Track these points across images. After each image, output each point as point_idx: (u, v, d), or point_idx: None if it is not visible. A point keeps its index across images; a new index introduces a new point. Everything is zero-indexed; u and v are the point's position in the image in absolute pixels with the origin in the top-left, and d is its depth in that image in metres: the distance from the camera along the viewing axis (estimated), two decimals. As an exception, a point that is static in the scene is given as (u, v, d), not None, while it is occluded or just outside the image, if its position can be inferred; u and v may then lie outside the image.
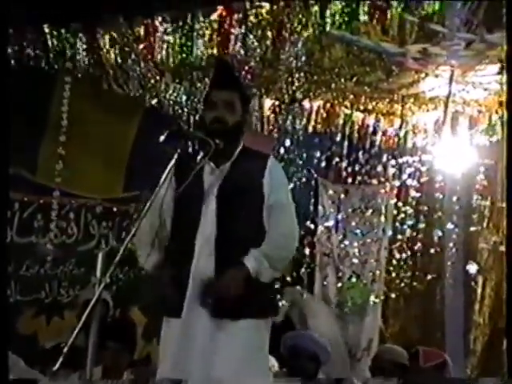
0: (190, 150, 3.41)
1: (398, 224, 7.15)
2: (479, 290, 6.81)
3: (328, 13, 4.53)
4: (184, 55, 5.25)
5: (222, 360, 3.32)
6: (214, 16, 5.08)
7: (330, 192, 7.64)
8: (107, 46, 5.38)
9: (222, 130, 3.45)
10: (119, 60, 5.49)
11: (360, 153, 7.17)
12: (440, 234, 6.90)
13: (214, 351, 3.33)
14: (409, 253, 7.06)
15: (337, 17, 4.51)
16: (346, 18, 4.42)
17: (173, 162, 3.35)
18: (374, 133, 7.06)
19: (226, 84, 3.56)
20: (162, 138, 3.42)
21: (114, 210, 7.12)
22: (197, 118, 6.20)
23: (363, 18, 4.29)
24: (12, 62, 5.41)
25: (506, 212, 3.71)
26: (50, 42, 5.38)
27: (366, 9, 4.24)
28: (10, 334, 4.06)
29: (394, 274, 7.25)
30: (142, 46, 5.33)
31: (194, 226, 3.43)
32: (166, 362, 3.43)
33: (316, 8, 4.60)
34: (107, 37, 5.34)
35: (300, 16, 4.75)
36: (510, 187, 3.71)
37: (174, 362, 3.38)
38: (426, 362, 5.00)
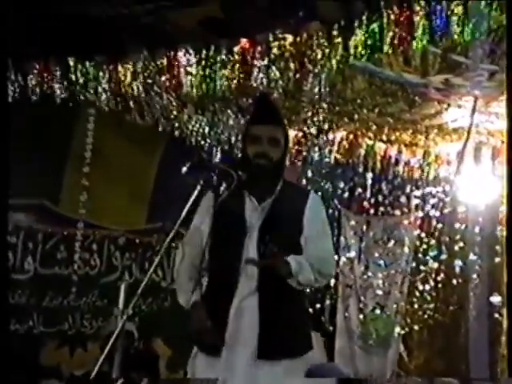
0: (215, 182, 3.38)
1: (420, 255, 7.10)
2: (505, 322, 6.72)
3: (351, 44, 4.52)
4: (206, 87, 5.26)
5: None
6: (237, 48, 5.10)
7: (353, 223, 7.61)
8: (130, 79, 5.41)
9: (266, 165, 3.42)
10: (142, 92, 5.51)
11: (383, 184, 7.14)
12: (462, 264, 6.84)
13: None
14: (432, 284, 7.00)
15: (359, 48, 4.51)
16: (369, 50, 4.41)
17: (195, 193, 3.34)
18: (397, 163, 7.03)
19: (270, 119, 3.52)
20: (184, 169, 3.43)
21: (137, 241, 7.14)
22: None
23: (386, 48, 4.27)
24: (36, 94, 5.47)
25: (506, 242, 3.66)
26: (74, 75, 5.42)
27: (388, 40, 4.23)
28: (9, 334, 4.04)
29: (417, 306, 7.19)
30: (164, 78, 5.35)
31: (236, 264, 3.38)
32: None
33: (339, 39, 4.60)
34: (130, 69, 5.36)
35: (323, 48, 4.75)
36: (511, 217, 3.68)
37: None
38: None
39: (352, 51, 4.58)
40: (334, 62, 4.63)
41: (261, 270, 3.35)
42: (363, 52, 4.45)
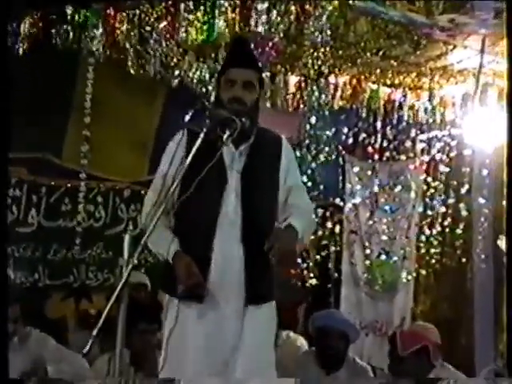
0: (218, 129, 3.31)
1: (427, 200, 7.06)
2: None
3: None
4: (206, 33, 5.18)
5: (248, 347, 3.29)
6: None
7: (357, 169, 7.55)
8: (128, 26, 5.33)
9: (241, 110, 3.34)
10: (141, 40, 5.43)
11: (387, 128, 7.07)
12: (470, 208, 6.80)
13: (240, 337, 3.30)
14: (439, 228, 6.97)
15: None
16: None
17: (199, 141, 3.26)
18: (401, 107, 6.95)
19: (246, 63, 3.45)
20: (187, 117, 3.37)
21: (142, 192, 7.11)
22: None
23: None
24: (34, 43, 5.38)
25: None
26: (71, 23, 5.33)
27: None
28: (8, 335, 4.06)
29: (424, 251, 7.16)
30: (163, 25, 5.26)
31: (214, 209, 3.34)
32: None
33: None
34: (129, 16, 5.28)
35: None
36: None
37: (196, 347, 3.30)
38: (404, 350, 4.48)
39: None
40: (335, 2, 4.56)
41: (244, 219, 3.32)
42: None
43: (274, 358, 3.44)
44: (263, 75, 3.62)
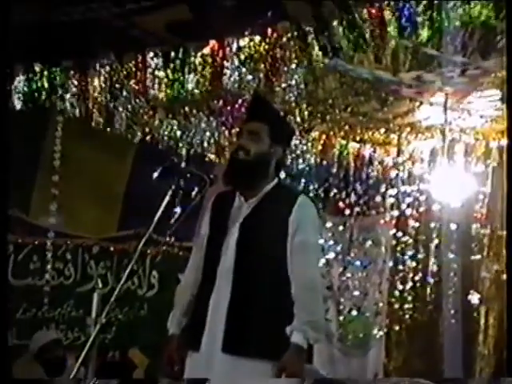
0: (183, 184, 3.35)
1: (398, 254, 7.07)
2: (482, 321, 6.70)
3: (321, 43, 4.50)
4: (176, 90, 5.21)
5: None
6: (207, 50, 5.05)
7: (329, 224, 7.56)
8: (98, 83, 5.34)
9: (243, 159, 3.42)
10: (111, 97, 5.44)
11: (357, 184, 7.10)
12: (440, 263, 6.81)
13: None
14: (410, 284, 6.97)
15: (330, 47, 4.49)
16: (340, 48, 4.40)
17: (167, 198, 3.31)
18: (371, 163, 7.00)
19: (254, 115, 3.57)
20: (155, 174, 3.40)
21: (111, 249, 7.07)
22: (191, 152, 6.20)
23: (358, 46, 4.26)
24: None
25: (506, 239, 3.63)
26: (40, 81, 5.33)
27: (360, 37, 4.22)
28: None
29: (396, 306, 7.15)
30: (132, 82, 5.29)
31: (215, 261, 3.41)
32: None
33: (309, 39, 4.57)
34: (98, 74, 5.29)
35: (293, 48, 4.73)
36: (510, 215, 3.64)
37: None
38: None
39: (322, 50, 4.56)
40: (304, 61, 4.61)
41: (236, 269, 3.36)
42: (333, 50, 4.44)
43: None
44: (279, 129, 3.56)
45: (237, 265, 3.37)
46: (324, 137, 6.67)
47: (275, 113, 3.81)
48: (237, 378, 3.31)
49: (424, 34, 4.10)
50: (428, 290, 6.86)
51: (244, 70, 5.02)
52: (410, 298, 7.00)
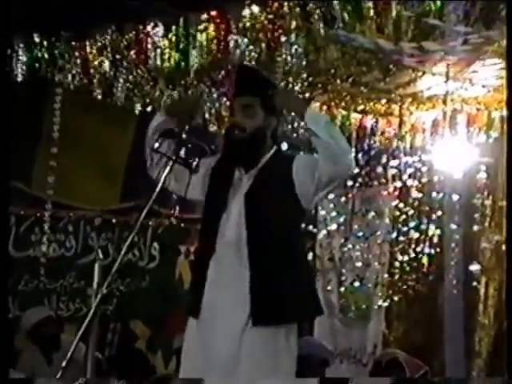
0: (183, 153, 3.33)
1: (400, 225, 7.07)
2: (482, 291, 6.71)
3: (324, 12, 4.47)
4: (177, 60, 5.18)
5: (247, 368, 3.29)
6: (207, 20, 5.02)
7: (331, 195, 7.55)
8: (98, 54, 5.31)
9: (239, 136, 3.39)
10: (111, 68, 5.42)
11: (359, 155, 7.08)
12: (442, 234, 6.81)
13: (237, 358, 3.29)
14: (412, 254, 6.97)
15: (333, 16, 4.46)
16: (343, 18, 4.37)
17: (168, 168, 3.30)
18: (373, 134, 6.98)
19: (244, 88, 3.49)
20: (156, 145, 3.39)
21: (113, 221, 7.06)
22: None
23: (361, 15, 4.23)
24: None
25: (507, 210, 3.63)
26: (39, 52, 5.30)
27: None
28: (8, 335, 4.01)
29: (397, 277, 7.16)
30: (133, 53, 5.26)
31: (213, 232, 3.40)
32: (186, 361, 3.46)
33: (311, 8, 4.54)
34: (98, 44, 5.26)
35: (295, 17, 4.70)
36: (511, 186, 3.63)
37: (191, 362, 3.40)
38: (412, 374, 4.95)
39: (324, 20, 4.53)
40: (306, 31, 4.59)
41: (249, 241, 3.33)
42: (334, 20, 4.41)
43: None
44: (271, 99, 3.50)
45: (250, 236, 3.34)
46: (325, 107, 6.64)
47: (265, 82, 3.64)
48: (266, 349, 3.30)
49: (426, 3, 4.07)
50: (429, 260, 6.87)
51: (245, 40, 4.99)
52: (410, 269, 7.01)
